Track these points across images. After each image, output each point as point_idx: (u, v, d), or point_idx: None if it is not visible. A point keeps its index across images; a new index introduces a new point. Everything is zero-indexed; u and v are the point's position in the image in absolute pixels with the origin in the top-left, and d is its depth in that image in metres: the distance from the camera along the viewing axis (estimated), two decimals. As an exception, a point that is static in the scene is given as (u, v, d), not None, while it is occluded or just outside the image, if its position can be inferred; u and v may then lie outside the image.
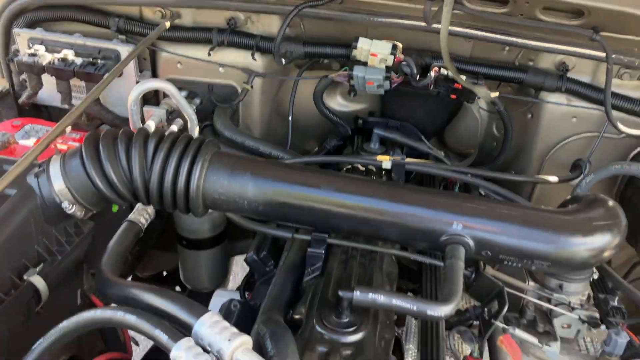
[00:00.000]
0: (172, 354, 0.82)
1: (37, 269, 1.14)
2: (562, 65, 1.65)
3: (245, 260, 1.44)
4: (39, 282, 1.12)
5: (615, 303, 1.30)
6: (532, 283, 1.33)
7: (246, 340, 0.83)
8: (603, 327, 1.27)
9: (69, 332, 0.92)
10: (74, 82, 1.75)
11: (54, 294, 1.20)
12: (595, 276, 1.34)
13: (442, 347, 1.11)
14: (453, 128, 1.95)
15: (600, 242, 1.13)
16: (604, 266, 1.34)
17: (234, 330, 0.84)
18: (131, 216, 1.41)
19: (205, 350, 0.84)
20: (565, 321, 1.26)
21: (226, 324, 0.85)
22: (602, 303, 1.31)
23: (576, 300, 1.29)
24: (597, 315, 1.27)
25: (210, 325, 0.85)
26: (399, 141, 1.74)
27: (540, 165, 1.78)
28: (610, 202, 1.19)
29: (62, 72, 1.69)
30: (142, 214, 1.42)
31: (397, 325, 1.24)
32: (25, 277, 1.12)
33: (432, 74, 1.60)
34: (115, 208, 1.58)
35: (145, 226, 1.41)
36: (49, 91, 1.78)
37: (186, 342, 0.82)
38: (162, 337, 0.83)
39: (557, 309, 1.27)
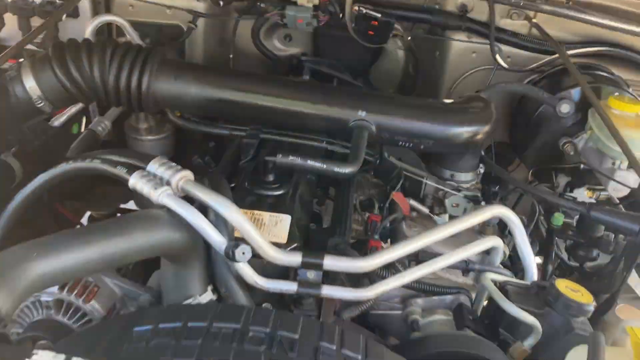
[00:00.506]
0: (129, 183, 1.05)
1: (12, 150, 1.34)
2: (463, 7, 1.95)
3: (191, 163, 1.67)
4: (13, 162, 1.33)
5: (496, 189, 1.60)
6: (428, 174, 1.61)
7: (188, 173, 1.07)
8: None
9: (46, 182, 1.14)
10: (35, 21, 1.94)
11: (25, 182, 1.40)
12: (482, 170, 1.64)
13: (350, 211, 1.37)
14: (376, 68, 2.23)
15: (474, 127, 1.42)
16: (488, 160, 1.63)
17: (180, 167, 1.08)
18: (90, 126, 1.63)
19: (156, 184, 1.07)
20: (455, 201, 1.55)
21: (173, 164, 1.09)
22: (486, 191, 1.61)
23: (465, 187, 1.59)
24: (479, 195, 1.56)
25: (160, 165, 1.08)
26: (326, 72, 2.00)
27: (448, 97, 2.08)
28: (485, 98, 1.48)
29: (24, 10, 1.89)
30: (99, 124, 1.64)
31: (318, 205, 1.51)
32: (2, 157, 1.32)
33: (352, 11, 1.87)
34: (75, 129, 1.78)
35: (103, 134, 1.64)
36: (10, 31, 1.97)
37: (140, 172, 1.05)
38: (122, 171, 1.06)
39: (449, 191, 1.56)
